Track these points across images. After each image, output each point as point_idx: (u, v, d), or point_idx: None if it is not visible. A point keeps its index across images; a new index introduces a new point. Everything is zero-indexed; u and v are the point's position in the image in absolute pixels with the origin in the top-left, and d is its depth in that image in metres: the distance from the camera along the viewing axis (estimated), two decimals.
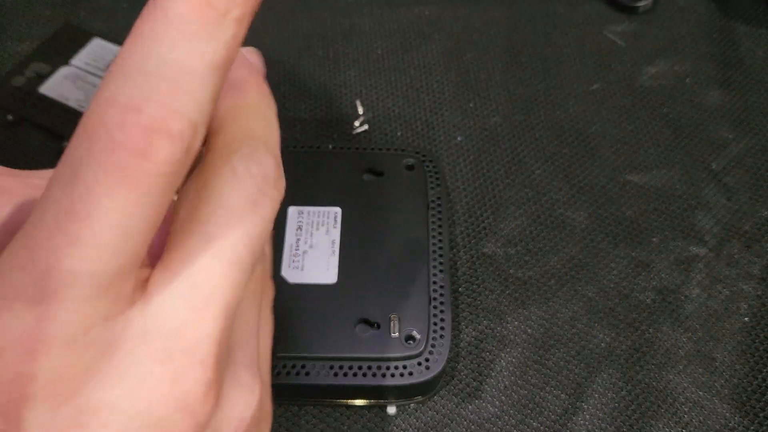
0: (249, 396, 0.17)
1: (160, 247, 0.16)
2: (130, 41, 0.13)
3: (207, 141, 0.17)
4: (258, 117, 0.18)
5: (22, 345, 0.13)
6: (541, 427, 0.29)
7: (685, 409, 0.30)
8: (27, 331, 0.13)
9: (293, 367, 0.28)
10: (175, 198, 0.19)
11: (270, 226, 0.17)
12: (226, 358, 0.16)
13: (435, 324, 0.29)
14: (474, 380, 0.30)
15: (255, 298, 0.19)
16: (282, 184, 0.17)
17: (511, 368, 0.31)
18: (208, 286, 0.15)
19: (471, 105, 0.40)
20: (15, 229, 0.18)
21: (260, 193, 0.16)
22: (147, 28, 0.13)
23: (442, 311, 0.30)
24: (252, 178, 0.16)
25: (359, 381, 0.28)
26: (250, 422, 0.17)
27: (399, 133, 0.39)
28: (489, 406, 0.30)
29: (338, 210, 0.32)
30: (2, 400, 0.13)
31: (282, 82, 0.41)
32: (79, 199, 0.13)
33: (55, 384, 0.13)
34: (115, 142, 0.13)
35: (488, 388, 0.30)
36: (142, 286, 0.15)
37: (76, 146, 0.13)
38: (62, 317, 0.13)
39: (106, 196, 0.13)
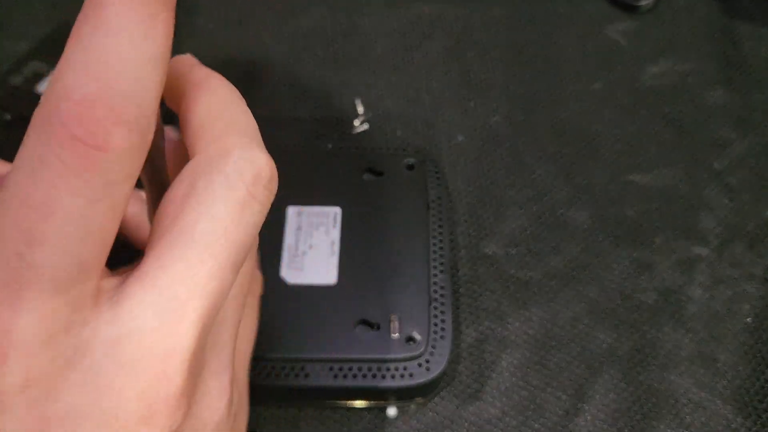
0: (218, 401, 0.17)
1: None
2: (73, 41, 0.14)
3: (190, 144, 0.17)
4: (237, 111, 0.18)
5: None
6: (543, 429, 0.29)
7: (687, 411, 0.29)
8: None
9: (292, 368, 0.28)
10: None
11: (258, 229, 0.17)
12: (201, 365, 0.16)
13: (435, 325, 0.29)
14: (475, 381, 0.30)
15: (238, 301, 0.18)
16: (275, 183, 0.17)
17: (512, 369, 0.31)
18: (184, 295, 0.15)
19: (472, 104, 0.40)
20: None
21: (249, 197, 0.16)
22: (88, 28, 0.14)
23: (442, 312, 0.30)
24: (243, 183, 0.16)
25: (359, 382, 0.28)
26: (223, 421, 0.17)
27: (399, 133, 0.38)
28: (490, 407, 0.30)
29: (338, 210, 0.32)
30: None
31: (281, 82, 0.41)
32: (39, 196, 0.13)
33: (20, 394, 0.13)
34: (74, 136, 0.13)
35: (489, 390, 0.30)
36: (113, 293, 0.15)
37: (33, 141, 0.14)
38: (24, 325, 0.13)
39: (66, 190, 0.13)
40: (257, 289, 0.22)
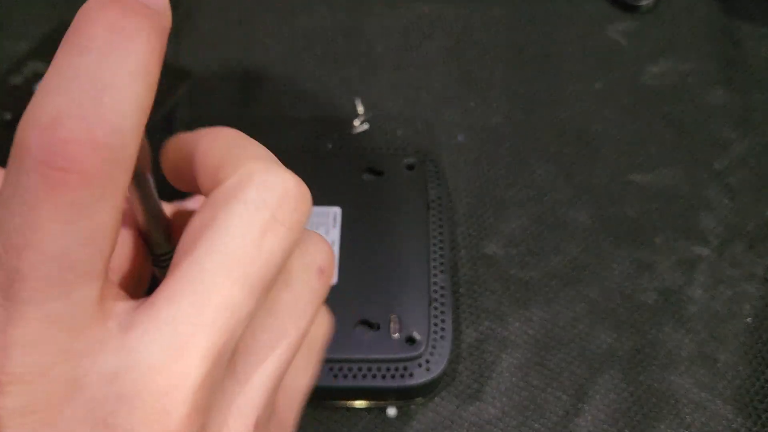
0: None
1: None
2: (53, 62, 0.14)
3: (208, 183, 0.16)
4: (250, 142, 0.17)
5: None
6: (543, 429, 0.29)
7: (688, 411, 0.29)
8: None
9: None
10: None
11: (287, 253, 0.16)
12: (212, 401, 0.15)
13: (435, 325, 0.29)
14: (475, 382, 0.30)
15: (313, 349, 0.18)
16: (306, 204, 0.16)
17: (512, 369, 0.30)
18: (188, 331, 0.14)
19: (472, 104, 0.40)
20: None
21: (272, 221, 0.15)
22: (63, 51, 0.14)
23: (442, 312, 0.29)
24: (267, 207, 0.15)
25: (359, 383, 0.28)
26: None
27: (399, 133, 0.38)
28: (490, 407, 0.30)
29: (338, 210, 0.32)
30: None
31: (281, 82, 0.40)
32: (14, 229, 0.13)
33: (19, 425, 0.13)
34: (38, 161, 0.13)
35: (489, 390, 0.30)
36: (123, 319, 0.14)
37: (9, 167, 0.13)
38: (19, 356, 0.13)
39: (39, 221, 0.13)
40: (324, 327, 0.20)
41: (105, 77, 0.13)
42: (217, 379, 0.15)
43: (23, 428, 0.13)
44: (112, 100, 0.13)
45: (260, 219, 0.15)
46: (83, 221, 0.13)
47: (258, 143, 0.17)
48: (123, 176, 0.14)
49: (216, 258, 0.15)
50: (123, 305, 0.15)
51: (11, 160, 0.13)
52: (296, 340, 0.17)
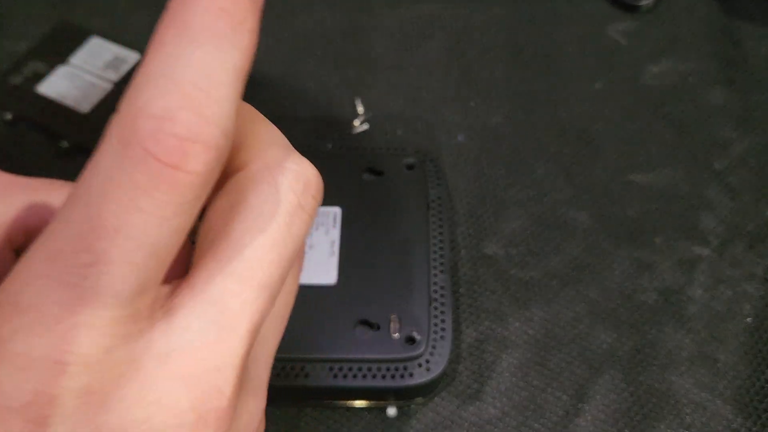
0: (254, 419, 0.17)
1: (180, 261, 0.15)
2: (153, 50, 0.13)
3: (230, 160, 0.16)
4: (268, 125, 0.17)
5: (43, 365, 0.13)
6: (543, 429, 0.29)
7: (688, 411, 0.29)
8: (49, 351, 0.13)
9: (293, 368, 0.28)
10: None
11: (303, 240, 0.16)
12: (244, 381, 0.16)
13: (435, 325, 0.29)
14: (475, 382, 0.30)
15: (282, 317, 0.18)
16: (321, 192, 0.16)
17: (512, 369, 0.30)
18: (235, 309, 0.14)
19: (472, 104, 0.40)
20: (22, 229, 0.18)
21: (299, 208, 0.16)
22: (169, 36, 0.13)
23: (442, 312, 0.29)
24: (294, 193, 0.16)
25: (359, 383, 0.28)
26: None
27: (399, 133, 0.38)
28: (490, 407, 0.30)
29: (338, 210, 0.32)
30: (22, 420, 0.13)
31: (281, 82, 0.40)
32: (108, 215, 0.13)
33: (76, 405, 0.13)
34: (149, 154, 0.12)
35: (489, 390, 0.30)
36: (164, 302, 0.15)
37: (103, 158, 0.13)
38: (84, 337, 0.13)
39: (137, 212, 0.13)
40: (292, 301, 0.21)
41: (215, 72, 0.13)
42: (248, 358, 0.15)
43: (81, 409, 0.13)
44: (220, 97, 0.13)
45: (290, 205, 0.16)
46: (178, 219, 0.13)
47: (272, 124, 0.17)
48: (216, 177, 0.14)
49: (254, 241, 0.15)
50: (164, 288, 0.15)
51: (110, 143, 0.13)
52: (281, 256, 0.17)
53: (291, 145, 0.17)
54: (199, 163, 0.13)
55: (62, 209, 0.13)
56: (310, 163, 0.16)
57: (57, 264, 0.13)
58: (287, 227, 0.15)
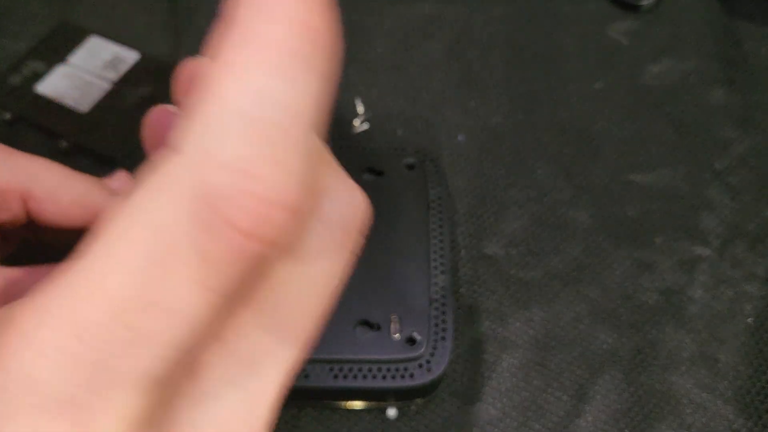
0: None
1: None
2: (217, 72, 0.10)
3: None
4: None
5: None
6: (543, 430, 0.29)
7: (689, 411, 0.29)
8: None
9: None
10: None
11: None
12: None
13: (436, 326, 0.29)
14: (475, 382, 0.30)
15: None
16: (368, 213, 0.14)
17: (512, 370, 0.30)
18: (267, 388, 0.14)
19: (472, 104, 0.40)
20: None
21: (345, 234, 0.14)
22: (238, 56, 0.10)
23: (443, 312, 0.29)
24: (341, 229, 0.14)
25: (359, 383, 0.28)
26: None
27: (399, 132, 0.38)
28: (490, 408, 0.29)
29: None
30: None
31: None
32: (157, 293, 0.10)
33: None
34: (220, 215, 0.10)
35: (490, 391, 0.30)
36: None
37: (154, 214, 0.10)
38: (111, 420, 0.11)
39: (193, 286, 0.10)
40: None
41: (295, 107, 0.11)
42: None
43: None
44: (303, 142, 0.11)
45: (337, 237, 0.16)
46: (225, 287, 0.11)
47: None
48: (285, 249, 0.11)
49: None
50: None
51: (171, 190, 0.10)
52: None
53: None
54: (275, 232, 0.10)
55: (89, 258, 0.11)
56: (361, 192, 0.14)
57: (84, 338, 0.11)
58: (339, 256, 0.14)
